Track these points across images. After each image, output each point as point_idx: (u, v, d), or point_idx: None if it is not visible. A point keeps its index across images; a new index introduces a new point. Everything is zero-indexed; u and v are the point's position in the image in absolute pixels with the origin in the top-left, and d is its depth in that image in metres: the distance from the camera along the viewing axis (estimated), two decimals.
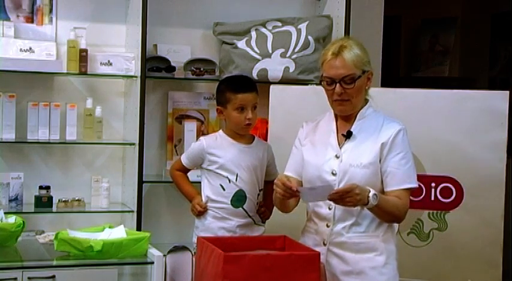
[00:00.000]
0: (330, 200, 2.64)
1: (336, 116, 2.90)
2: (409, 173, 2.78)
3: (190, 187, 3.37)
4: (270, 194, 3.20)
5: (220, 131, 3.35)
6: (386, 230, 2.81)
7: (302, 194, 2.73)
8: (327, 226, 2.82)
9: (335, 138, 2.85)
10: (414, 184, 2.80)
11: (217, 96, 3.34)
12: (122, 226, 3.43)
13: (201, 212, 3.28)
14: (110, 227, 3.40)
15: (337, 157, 2.81)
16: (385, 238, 2.81)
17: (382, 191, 2.76)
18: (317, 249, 2.81)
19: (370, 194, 2.63)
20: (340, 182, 2.77)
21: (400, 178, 2.76)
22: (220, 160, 3.25)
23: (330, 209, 2.80)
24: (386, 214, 2.74)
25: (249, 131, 3.32)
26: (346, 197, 2.60)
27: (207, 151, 3.27)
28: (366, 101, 2.88)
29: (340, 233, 2.80)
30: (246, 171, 3.25)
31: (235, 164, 3.24)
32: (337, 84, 2.77)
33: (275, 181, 2.78)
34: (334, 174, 2.79)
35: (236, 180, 3.24)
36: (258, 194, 3.31)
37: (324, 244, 2.83)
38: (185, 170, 3.39)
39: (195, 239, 3.20)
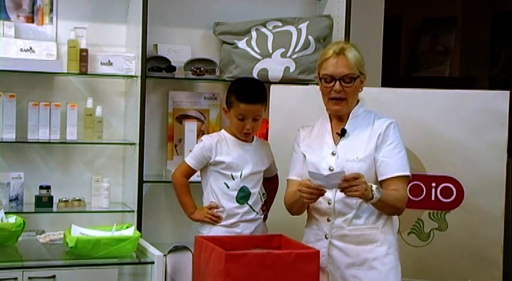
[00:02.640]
0: (339, 188, 2.71)
1: (330, 117, 2.99)
2: (401, 162, 2.86)
3: (191, 199, 3.31)
4: (272, 191, 3.37)
5: (223, 130, 3.34)
6: (385, 222, 2.89)
7: (316, 181, 2.75)
8: (328, 220, 2.89)
9: (330, 138, 2.95)
10: (407, 172, 2.87)
11: (226, 95, 3.31)
12: (133, 227, 3.41)
13: (214, 219, 3.23)
14: (118, 229, 3.38)
15: (333, 154, 2.91)
16: (385, 230, 2.88)
17: (377, 183, 2.83)
18: (319, 243, 2.89)
19: (374, 187, 2.72)
20: None
21: (393, 166, 2.84)
22: (227, 159, 3.23)
23: (329, 204, 2.87)
24: (388, 207, 2.82)
25: (248, 139, 3.29)
26: (354, 184, 2.67)
27: (215, 150, 3.25)
28: (357, 102, 2.97)
29: (341, 226, 2.87)
30: (249, 168, 3.25)
31: (240, 162, 3.24)
32: (337, 82, 2.85)
33: (299, 187, 2.82)
34: (331, 170, 2.87)
35: (240, 177, 3.24)
36: (259, 191, 3.31)
37: (326, 238, 2.89)
38: (191, 174, 3.32)
39: None
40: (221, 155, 3.24)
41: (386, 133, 2.87)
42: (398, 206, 2.85)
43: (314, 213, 2.96)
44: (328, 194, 2.82)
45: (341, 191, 2.73)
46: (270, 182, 3.37)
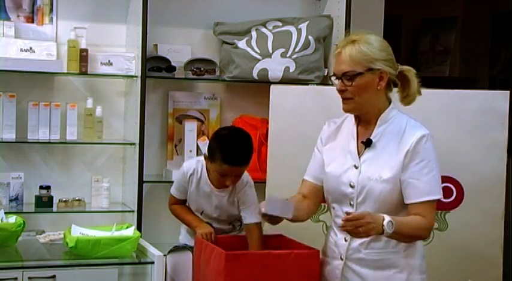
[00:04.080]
0: (342, 230, 2.47)
1: (356, 118, 2.71)
2: (431, 184, 2.55)
3: (190, 215, 3.28)
4: (253, 243, 3.05)
5: (203, 162, 3.22)
6: (408, 246, 2.61)
7: (269, 208, 2.55)
8: (345, 240, 2.65)
9: (355, 146, 2.66)
10: (438, 195, 2.57)
11: (210, 144, 3.16)
12: (133, 227, 3.41)
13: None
14: (117, 229, 3.38)
15: (355, 167, 2.63)
16: (408, 253, 2.61)
17: (404, 205, 2.58)
18: (335, 263, 2.69)
19: (385, 222, 2.43)
20: (358, 195, 2.60)
21: (421, 190, 2.54)
22: (191, 195, 3.25)
23: (347, 233, 2.54)
24: (407, 237, 2.56)
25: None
26: (357, 226, 2.40)
27: (187, 182, 3.24)
28: (389, 102, 2.68)
29: (358, 249, 2.62)
30: (214, 211, 3.23)
31: (203, 207, 3.24)
32: (339, 80, 2.62)
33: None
34: (352, 186, 2.62)
35: (201, 214, 3.26)
36: (233, 226, 3.28)
37: (341, 259, 2.67)
38: (182, 202, 3.32)
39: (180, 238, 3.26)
40: (189, 192, 3.24)
41: (416, 150, 2.54)
42: (419, 235, 2.56)
43: (334, 226, 2.72)
44: (348, 211, 2.56)
45: (346, 232, 2.47)
46: (250, 233, 3.08)
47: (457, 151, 3.54)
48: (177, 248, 3.33)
